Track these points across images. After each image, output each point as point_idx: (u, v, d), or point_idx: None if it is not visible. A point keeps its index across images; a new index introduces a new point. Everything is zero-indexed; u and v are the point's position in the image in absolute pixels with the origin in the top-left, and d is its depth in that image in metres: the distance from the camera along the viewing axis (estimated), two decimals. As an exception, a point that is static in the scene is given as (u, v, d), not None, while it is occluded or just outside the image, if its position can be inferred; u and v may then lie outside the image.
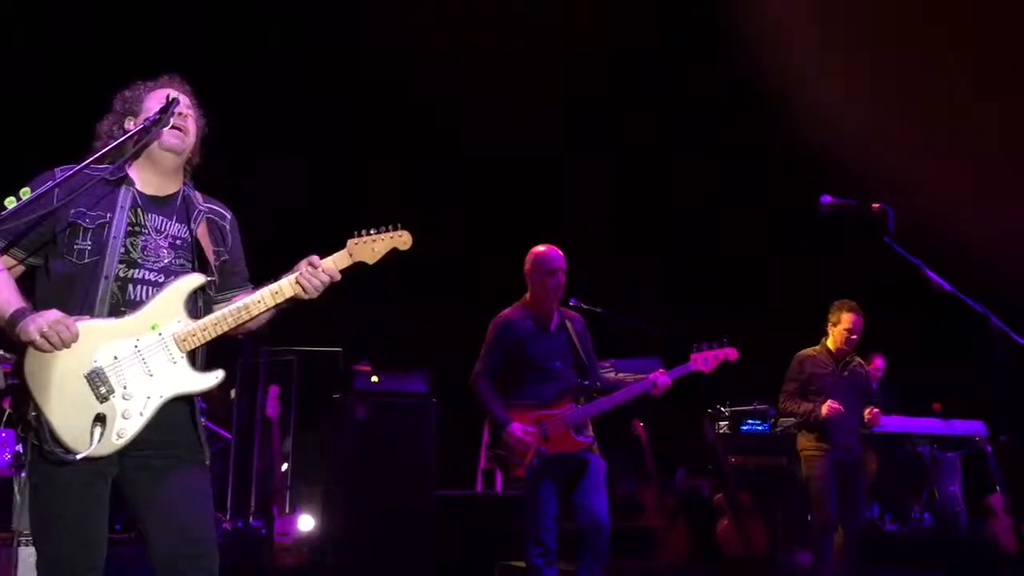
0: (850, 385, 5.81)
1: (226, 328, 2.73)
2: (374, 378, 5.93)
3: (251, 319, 2.78)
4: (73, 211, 2.68)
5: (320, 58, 7.72)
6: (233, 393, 7.45)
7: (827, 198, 3.78)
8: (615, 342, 8.35)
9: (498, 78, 7.95)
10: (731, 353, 4.72)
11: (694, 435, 7.58)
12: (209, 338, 2.71)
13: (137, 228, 2.73)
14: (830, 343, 5.83)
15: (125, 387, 2.59)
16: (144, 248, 2.72)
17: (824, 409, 5.55)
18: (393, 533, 5.69)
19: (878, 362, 8.90)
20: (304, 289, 2.76)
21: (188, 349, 2.67)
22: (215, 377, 2.72)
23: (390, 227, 2.86)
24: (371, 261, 2.85)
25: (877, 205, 3.69)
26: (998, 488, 6.93)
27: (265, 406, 6.67)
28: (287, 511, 6.35)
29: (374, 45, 7.65)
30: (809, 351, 5.88)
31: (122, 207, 2.72)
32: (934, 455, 7.54)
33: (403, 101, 8.10)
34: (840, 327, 5.76)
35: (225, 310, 2.73)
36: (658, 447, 7.17)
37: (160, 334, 2.65)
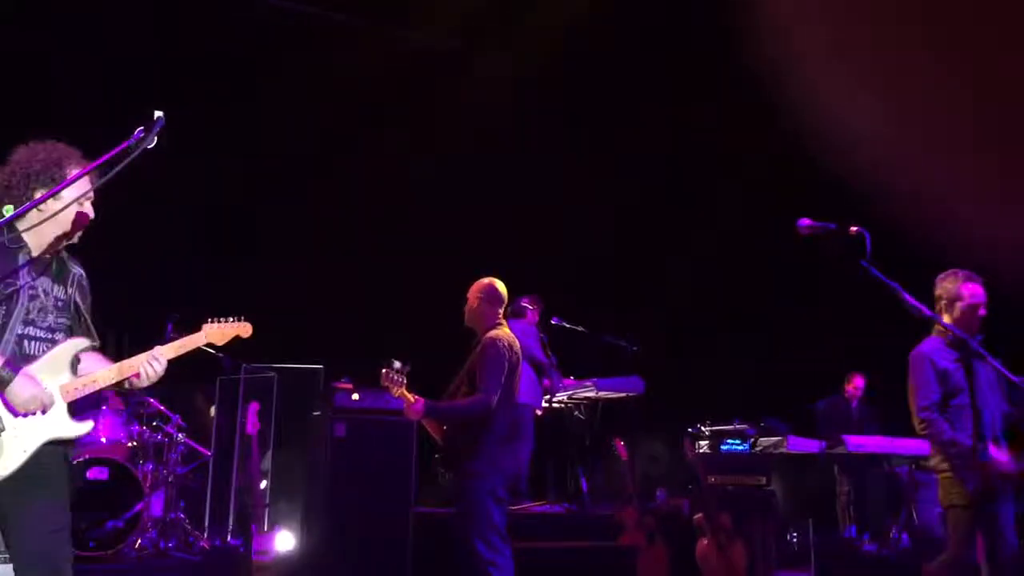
0: (992, 373, 4.40)
1: (99, 387, 3.22)
2: (355, 395, 5.90)
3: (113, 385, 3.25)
4: None
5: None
6: (213, 410, 7.40)
7: (805, 221, 3.77)
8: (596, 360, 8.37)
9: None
10: None
11: (675, 455, 7.59)
12: (87, 392, 3.17)
13: (34, 292, 3.13)
14: (942, 330, 4.46)
15: (16, 427, 3.02)
16: (39, 309, 3.15)
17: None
18: (372, 551, 5.66)
19: (858, 381, 8.95)
20: (140, 376, 3.22)
21: (70, 400, 3.13)
22: (87, 427, 3.19)
23: (237, 319, 3.45)
24: (220, 343, 3.44)
25: (855, 228, 3.70)
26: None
27: (245, 423, 6.62)
28: (266, 529, 6.30)
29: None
30: (929, 342, 4.54)
31: (27, 273, 3.11)
32: (913, 476, 7.55)
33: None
34: (963, 303, 4.47)
35: (98, 373, 3.20)
36: (639, 466, 7.18)
37: (47, 386, 3.09)
